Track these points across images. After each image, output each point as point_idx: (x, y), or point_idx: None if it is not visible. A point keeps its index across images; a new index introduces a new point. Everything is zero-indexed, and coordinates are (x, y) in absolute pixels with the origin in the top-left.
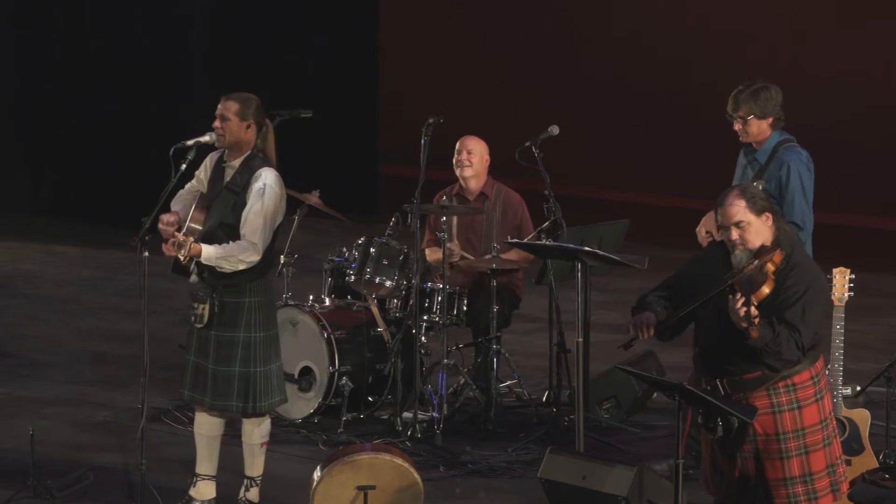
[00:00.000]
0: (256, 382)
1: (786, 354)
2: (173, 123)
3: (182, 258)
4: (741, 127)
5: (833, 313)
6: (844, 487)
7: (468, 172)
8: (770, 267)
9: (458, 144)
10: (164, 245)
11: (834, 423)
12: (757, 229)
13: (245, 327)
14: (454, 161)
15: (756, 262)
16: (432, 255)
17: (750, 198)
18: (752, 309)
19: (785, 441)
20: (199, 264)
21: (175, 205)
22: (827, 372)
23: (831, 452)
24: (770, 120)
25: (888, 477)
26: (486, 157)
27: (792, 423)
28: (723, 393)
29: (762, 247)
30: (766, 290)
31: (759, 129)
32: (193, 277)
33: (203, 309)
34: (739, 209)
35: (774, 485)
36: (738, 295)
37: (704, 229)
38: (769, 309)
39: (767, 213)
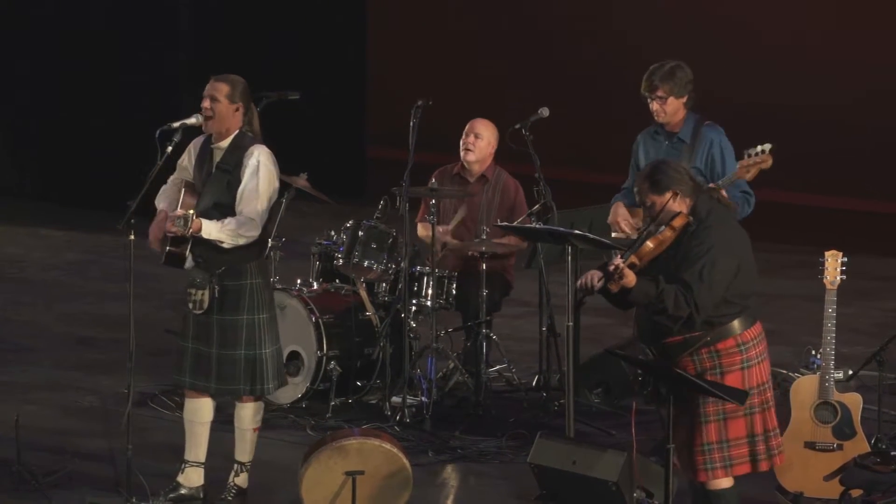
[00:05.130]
0: (263, 364)
1: (672, 311)
2: (158, 106)
3: (185, 232)
4: (659, 107)
5: (825, 297)
6: (778, 461)
7: (472, 157)
8: (667, 232)
9: (467, 126)
10: (167, 225)
11: (769, 394)
12: (662, 205)
13: (248, 310)
14: (461, 142)
15: (662, 226)
16: (423, 230)
17: (653, 182)
18: (622, 265)
19: (704, 405)
20: (194, 250)
21: (160, 202)
22: (818, 355)
23: (755, 423)
24: (685, 99)
25: (879, 461)
26: (494, 142)
27: None
28: (653, 359)
29: (667, 212)
30: (649, 244)
31: (675, 108)
32: (189, 264)
33: (202, 294)
34: (643, 192)
35: (696, 450)
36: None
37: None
38: (673, 269)
39: (673, 190)
